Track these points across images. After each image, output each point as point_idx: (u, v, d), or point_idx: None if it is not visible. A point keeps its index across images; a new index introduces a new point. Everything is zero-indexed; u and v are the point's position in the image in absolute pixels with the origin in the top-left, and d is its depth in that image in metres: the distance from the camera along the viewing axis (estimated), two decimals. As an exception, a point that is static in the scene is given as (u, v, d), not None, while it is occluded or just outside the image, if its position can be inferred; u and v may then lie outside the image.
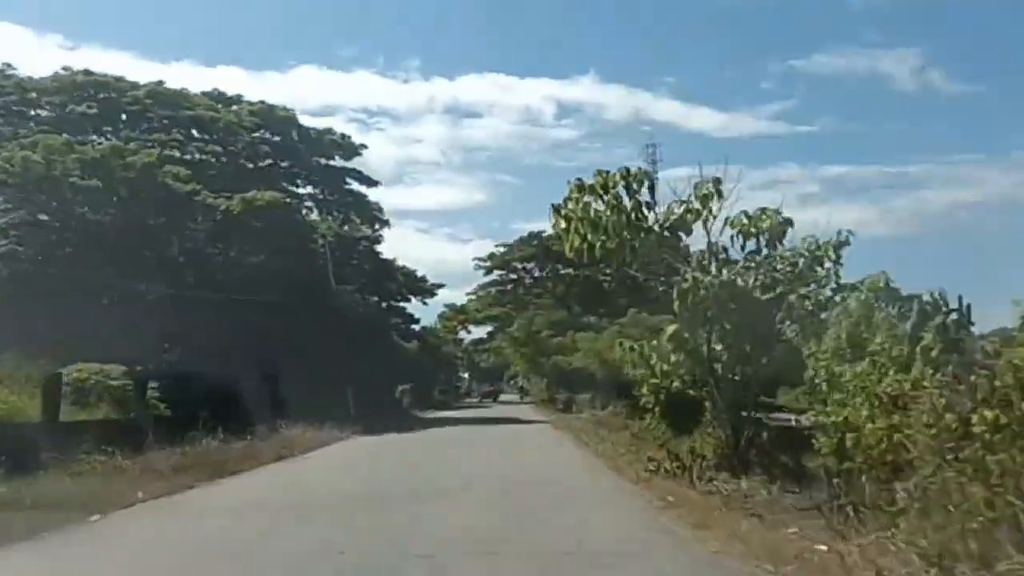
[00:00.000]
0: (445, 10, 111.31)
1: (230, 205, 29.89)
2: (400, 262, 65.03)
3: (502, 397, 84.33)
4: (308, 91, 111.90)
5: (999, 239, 77.04)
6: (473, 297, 61.20)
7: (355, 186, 41.93)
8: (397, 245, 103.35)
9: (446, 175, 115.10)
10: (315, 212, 43.25)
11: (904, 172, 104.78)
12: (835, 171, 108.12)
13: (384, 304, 65.42)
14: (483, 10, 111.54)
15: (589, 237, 13.92)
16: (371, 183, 42.19)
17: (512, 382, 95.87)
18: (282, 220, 33.55)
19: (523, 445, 23.01)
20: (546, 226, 57.11)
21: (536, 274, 58.18)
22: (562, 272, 57.87)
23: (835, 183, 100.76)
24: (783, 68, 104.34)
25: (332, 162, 40.66)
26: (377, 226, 43.97)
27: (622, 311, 50.76)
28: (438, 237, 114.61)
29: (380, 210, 43.32)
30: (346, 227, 55.75)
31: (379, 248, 59.25)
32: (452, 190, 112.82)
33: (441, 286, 67.59)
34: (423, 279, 68.07)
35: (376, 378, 45.45)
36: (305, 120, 41.78)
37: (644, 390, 27.00)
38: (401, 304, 67.27)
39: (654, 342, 14.68)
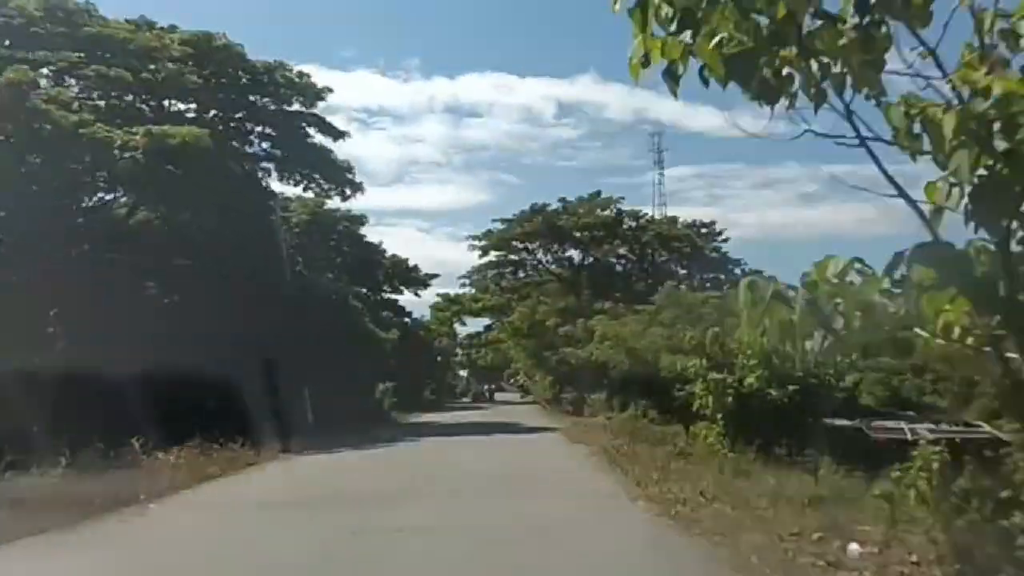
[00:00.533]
0: (445, 9, 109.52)
1: (130, 140, 22.14)
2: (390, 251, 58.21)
3: (500, 396, 76.89)
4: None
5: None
6: (467, 281, 53.31)
7: (318, 139, 34.00)
8: (398, 244, 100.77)
9: (447, 175, 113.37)
10: (273, 174, 35.45)
11: (903, 171, 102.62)
12: (835, 170, 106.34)
13: (373, 296, 58.37)
14: (483, 9, 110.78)
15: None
16: (337, 134, 34.27)
17: (512, 381, 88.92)
18: (215, 170, 25.86)
19: (533, 491, 13.05)
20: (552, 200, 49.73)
21: (540, 256, 50.29)
22: (569, 253, 50.12)
23: (835, 182, 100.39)
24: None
25: (287, 107, 32.73)
26: (348, 191, 36.11)
27: (640, 296, 43.32)
28: (439, 237, 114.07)
29: (351, 170, 35.43)
30: (323, 202, 48.63)
31: (364, 233, 52.68)
32: (453, 190, 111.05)
33: (435, 276, 60.43)
34: (414, 268, 60.70)
35: (351, 376, 37.83)
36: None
37: (697, 388, 19.34)
38: (392, 296, 60.39)
39: (849, 277, 6.39)
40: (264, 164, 35.38)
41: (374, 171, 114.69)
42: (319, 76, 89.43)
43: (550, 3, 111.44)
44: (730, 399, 17.90)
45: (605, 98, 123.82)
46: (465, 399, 72.10)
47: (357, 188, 36.38)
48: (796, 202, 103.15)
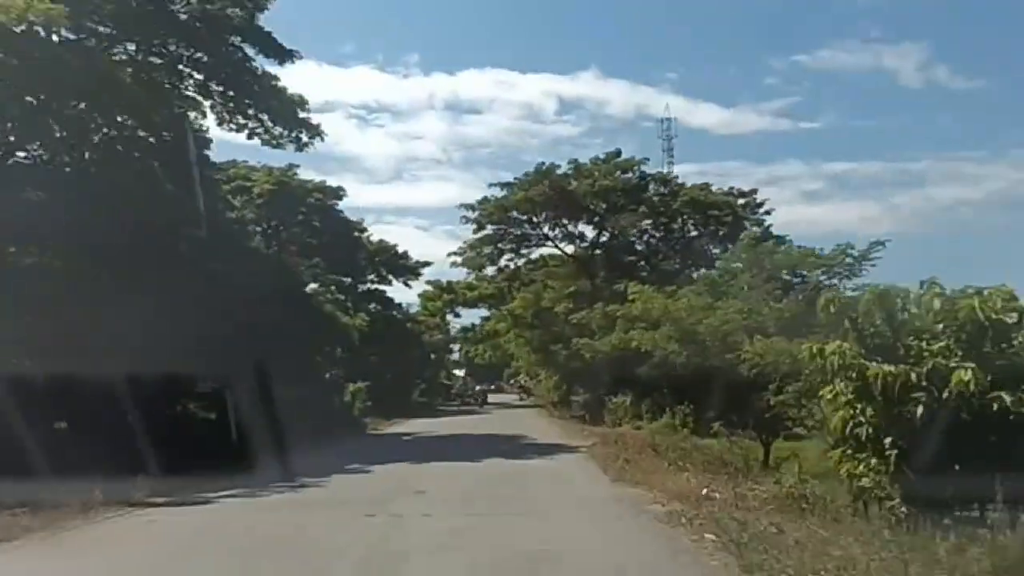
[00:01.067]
0: (445, 4, 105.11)
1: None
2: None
3: (495, 399, 68.62)
4: (306, 87, 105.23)
5: (1002, 236, 72.44)
6: (458, 259, 44.85)
7: (260, 62, 25.74)
8: (396, 241, 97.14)
9: (447, 172, 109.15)
10: (210, 116, 27.30)
11: (907, 169, 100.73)
12: (839, 167, 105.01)
13: (356, 284, 50.66)
14: (483, 4, 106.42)
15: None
16: (284, 55, 25.92)
17: (512, 381, 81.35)
18: (87, 74, 17.78)
19: None
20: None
21: (546, 230, 42.01)
22: (581, 228, 41.89)
23: (839, 180, 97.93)
24: (787, 64, 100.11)
25: (210, 6, 24.33)
26: (304, 135, 27.95)
27: (668, 278, 35.33)
28: (438, 235, 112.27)
29: (304, 105, 27.11)
30: (295, 172, 40.87)
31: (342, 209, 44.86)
32: (453, 187, 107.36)
33: (427, 264, 52.69)
34: (404, 255, 52.87)
35: (307, 375, 29.68)
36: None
37: (832, 392, 11.04)
38: (380, 287, 52.79)
39: None
40: (199, 101, 27.20)
41: (373, 168, 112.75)
42: (318, 72, 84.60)
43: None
44: (919, 410, 9.82)
45: (607, 95, 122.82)
46: (456, 402, 63.92)
47: (315, 132, 28.17)
48: (799, 200, 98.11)
